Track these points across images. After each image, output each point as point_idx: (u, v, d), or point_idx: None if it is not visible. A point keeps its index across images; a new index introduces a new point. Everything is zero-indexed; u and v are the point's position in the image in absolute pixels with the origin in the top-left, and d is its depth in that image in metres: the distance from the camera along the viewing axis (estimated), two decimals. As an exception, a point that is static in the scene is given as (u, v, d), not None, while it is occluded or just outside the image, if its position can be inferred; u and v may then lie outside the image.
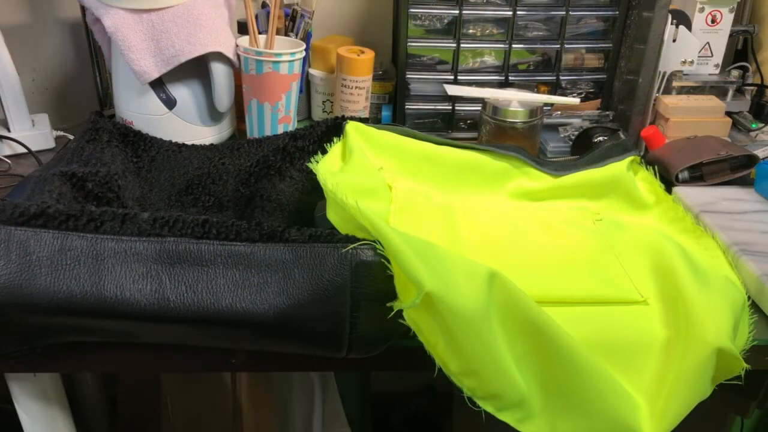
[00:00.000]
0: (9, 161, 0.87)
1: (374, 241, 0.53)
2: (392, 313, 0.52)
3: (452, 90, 0.96)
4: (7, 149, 0.89)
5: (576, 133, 0.95)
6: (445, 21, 0.97)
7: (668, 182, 0.83)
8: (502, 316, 0.54)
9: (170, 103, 0.89)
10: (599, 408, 0.53)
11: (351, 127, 0.80)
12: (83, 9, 0.94)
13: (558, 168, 0.83)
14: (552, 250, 0.70)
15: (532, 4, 0.97)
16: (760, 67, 1.08)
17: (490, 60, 1.00)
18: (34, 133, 0.90)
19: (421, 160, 0.80)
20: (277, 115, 0.90)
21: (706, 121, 0.93)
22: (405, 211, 0.72)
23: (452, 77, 1.00)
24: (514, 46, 0.99)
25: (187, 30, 0.84)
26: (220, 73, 0.87)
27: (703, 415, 0.57)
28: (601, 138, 0.90)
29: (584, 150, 0.88)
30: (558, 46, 0.99)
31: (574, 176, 0.81)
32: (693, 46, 0.97)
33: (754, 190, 0.81)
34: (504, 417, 0.53)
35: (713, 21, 1.01)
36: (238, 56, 0.88)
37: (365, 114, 0.98)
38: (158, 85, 0.88)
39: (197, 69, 0.88)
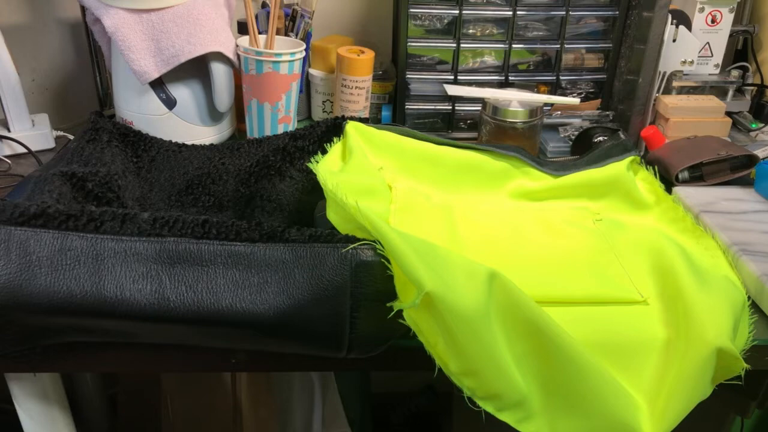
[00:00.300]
0: (9, 161, 0.87)
1: (374, 241, 0.53)
2: (392, 313, 0.52)
3: (452, 90, 0.96)
4: (7, 149, 0.89)
5: (576, 133, 0.95)
6: (445, 21, 0.97)
7: (668, 182, 0.83)
8: (502, 316, 0.54)
9: (170, 103, 0.89)
10: (599, 408, 0.53)
11: (351, 127, 0.80)
12: (83, 9, 0.94)
13: (558, 168, 0.83)
14: (552, 250, 0.70)
15: (532, 4, 0.97)
16: (760, 67, 1.08)
17: (490, 60, 1.00)
18: (34, 133, 0.90)
19: (421, 160, 0.80)
20: (277, 115, 0.90)
21: (706, 121, 0.93)
22: (405, 211, 0.72)
23: (452, 77, 1.00)
24: (514, 46, 0.99)
25: (187, 30, 0.84)
26: (220, 73, 0.87)
27: (703, 415, 0.57)
28: (601, 138, 0.90)
29: (584, 150, 0.88)
30: (558, 46, 0.99)
31: (574, 176, 0.81)
32: (693, 46, 0.97)
33: (754, 190, 0.81)
34: (504, 417, 0.53)
35: (713, 21, 1.01)
36: (238, 56, 0.88)
37: (365, 114, 0.98)
38: (158, 85, 0.88)
39: (197, 69, 0.88)
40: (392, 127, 0.83)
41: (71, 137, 0.93)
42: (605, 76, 1.01)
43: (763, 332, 0.61)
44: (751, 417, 1.06)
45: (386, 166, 0.79)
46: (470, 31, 0.99)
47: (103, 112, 0.94)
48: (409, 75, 0.99)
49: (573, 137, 0.95)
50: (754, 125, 1.02)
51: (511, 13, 0.97)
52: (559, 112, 0.98)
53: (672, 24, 0.92)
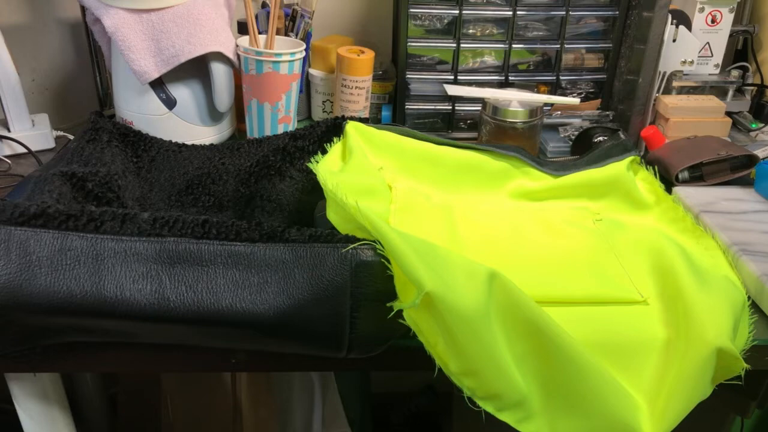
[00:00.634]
0: (9, 161, 0.87)
1: (374, 241, 0.53)
2: (392, 313, 0.52)
3: (452, 90, 0.96)
4: (7, 149, 0.89)
5: (576, 133, 0.95)
6: (445, 21, 0.97)
7: (668, 182, 0.83)
8: (502, 316, 0.54)
9: (170, 103, 0.89)
10: (599, 408, 0.53)
11: (351, 127, 0.80)
12: (83, 9, 0.94)
13: (558, 168, 0.83)
14: (552, 250, 0.70)
15: (532, 4, 0.97)
16: (760, 67, 1.08)
17: (490, 60, 1.00)
18: (34, 133, 0.90)
19: (421, 160, 0.80)
20: (277, 115, 0.90)
21: (706, 121, 0.93)
22: (405, 211, 0.72)
23: (452, 77, 1.00)
24: (514, 46, 0.99)
25: (187, 30, 0.84)
26: (220, 73, 0.87)
27: (703, 415, 0.57)
28: (601, 138, 0.90)
29: (584, 150, 0.88)
30: (558, 46, 0.99)
31: (574, 176, 0.81)
32: (693, 46, 0.97)
33: (754, 190, 0.81)
34: (504, 417, 0.53)
35: (713, 21, 1.01)
36: (238, 56, 0.88)
37: (365, 114, 0.98)
38: (158, 85, 0.88)
39: (197, 69, 0.88)
40: (392, 127, 0.83)
41: (71, 137, 0.93)
42: (605, 76, 1.01)
43: (763, 332, 0.61)
44: (751, 417, 1.06)
45: (386, 166, 0.79)
46: (470, 31, 0.99)
47: (103, 112, 0.94)
48: (409, 75, 0.99)
49: (573, 137, 0.95)
50: (754, 125, 1.02)
51: (511, 13, 0.97)
52: (559, 112, 0.98)
53: (672, 24, 0.92)
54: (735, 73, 1.02)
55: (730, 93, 1.03)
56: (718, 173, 0.83)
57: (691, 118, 0.93)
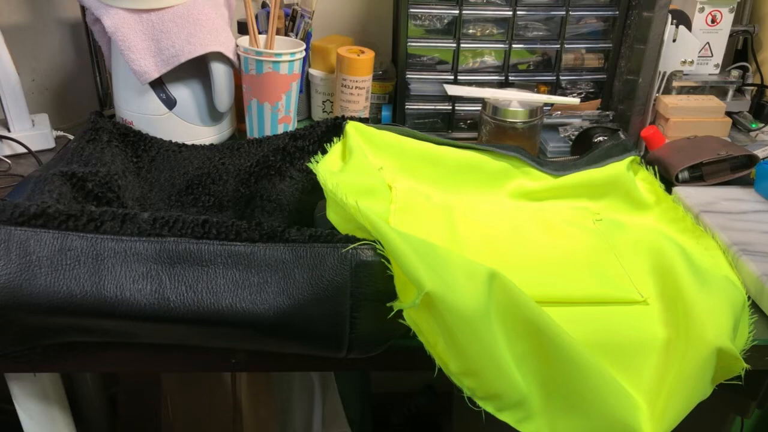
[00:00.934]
0: (9, 161, 0.87)
1: (374, 241, 0.53)
2: (392, 313, 0.52)
3: (452, 90, 0.96)
4: (7, 149, 0.89)
5: (576, 133, 0.95)
6: (445, 21, 0.97)
7: (668, 182, 0.83)
8: (502, 316, 0.54)
9: (170, 103, 0.89)
10: (599, 408, 0.53)
11: (351, 127, 0.80)
12: (83, 9, 0.94)
13: (558, 168, 0.83)
14: (552, 250, 0.70)
15: (532, 4, 0.97)
16: (760, 67, 1.08)
17: (490, 60, 1.00)
18: (34, 133, 0.90)
19: (421, 160, 0.80)
20: (277, 115, 0.90)
21: (706, 121, 0.93)
22: (405, 211, 0.72)
23: (452, 77, 1.00)
24: (514, 46, 0.99)
25: (187, 30, 0.84)
26: (220, 73, 0.87)
27: (703, 415, 0.57)
28: (601, 138, 0.90)
29: (584, 150, 0.88)
30: (558, 46, 0.99)
31: (574, 176, 0.81)
32: (693, 46, 0.97)
33: (754, 190, 0.81)
34: (504, 417, 0.53)
35: (713, 21, 1.01)
36: (238, 56, 0.88)
37: (365, 114, 0.98)
38: (158, 85, 0.88)
39: (197, 69, 0.88)
40: (392, 127, 0.83)
41: (71, 137, 0.93)
42: (605, 76, 1.01)
43: (763, 332, 0.61)
44: (751, 417, 1.06)
45: (386, 166, 0.79)
46: (470, 31, 0.99)
47: (103, 112, 0.94)
48: (409, 75, 0.99)
49: (573, 137, 0.95)
50: (754, 125, 1.02)
51: (511, 13, 0.97)
52: (559, 112, 0.98)
53: (672, 24, 0.92)
54: (735, 73, 1.02)
55: (730, 93, 1.03)
56: (718, 173, 0.83)
57: (691, 118, 0.93)
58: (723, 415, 1.13)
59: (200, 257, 0.53)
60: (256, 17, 0.94)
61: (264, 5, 1.00)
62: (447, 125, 1.03)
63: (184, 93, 0.89)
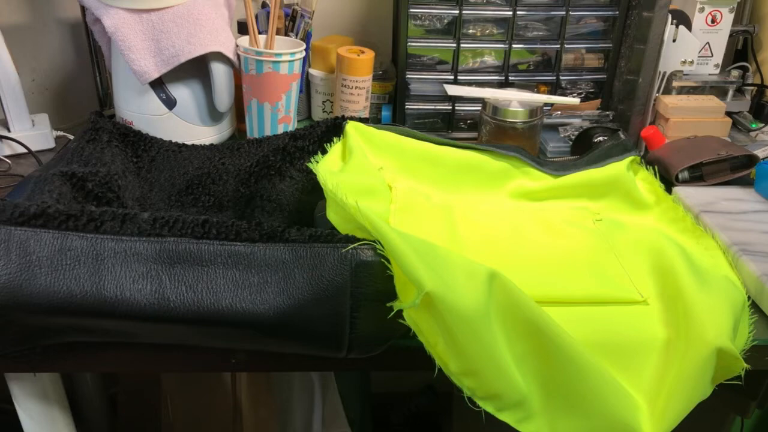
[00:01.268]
0: (9, 161, 0.87)
1: (374, 241, 0.53)
2: (392, 313, 0.52)
3: (452, 90, 0.96)
4: (7, 149, 0.89)
5: (576, 133, 0.95)
6: (445, 21, 0.97)
7: (668, 182, 0.83)
8: (502, 316, 0.54)
9: (170, 103, 0.89)
10: (599, 408, 0.53)
11: (351, 127, 0.80)
12: (83, 9, 0.94)
13: (558, 168, 0.83)
14: (552, 250, 0.70)
15: (532, 4, 0.97)
16: (760, 67, 1.08)
17: (490, 60, 1.00)
18: (34, 133, 0.90)
19: (421, 160, 0.80)
20: (277, 115, 0.90)
21: (706, 121, 0.93)
22: (405, 211, 0.72)
23: (452, 77, 1.00)
24: (514, 46, 0.99)
25: (187, 30, 0.84)
26: (220, 73, 0.87)
27: (703, 415, 0.57)
28: (601, 138, 0.90)
29: (584, 150, 0.88)
30: (558, 46, 0.99)
31: (574, 176, 0.81)
32: (693, 46, 0.97)
33: (754, 190, 0.81)
34: (504, 417, 0.53)
35: (713, 21, 1.01)
36: (238, 56, 0.88)
37: (365, 114, 0.98)
38: (158, 85, 0.88)
39: (197, 69, 0.88)
40: (392, 127, 0.83)
41: (71, 137, 0.93)
42: (605, 76, 1.01)
43: (763, 332, 0.61)
44: (751, 417, 1.06)
45: (386, 166, 0.79)
46: (470, 31, 0.99)
47: (103, 112, 0.94)
48: (409, 75, 0.99)
49: (573, 137, 0.95)
50: (754, 125, 1.02)
51: (511, 13, 0.97)
52: (559, 112, 0.98)
53: (672, 24, 0.92)
54: (735, 73, 1.02)
55: (730, 93, 1.03)
56: (718, 173, 0.83)
57: (691, 118, 0.93)
58: (723, 415, 1.13)
59: (200, 257, 0.53)
60: (256, 17, 0.94)
61: (264, 5, 1.00)
62: (447, 125, 1.03)
63: (184, 93, 0.89)
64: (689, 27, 0.99)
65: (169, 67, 0.85)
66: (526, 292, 0.54)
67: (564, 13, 0.97)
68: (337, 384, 1.06)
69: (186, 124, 0.90)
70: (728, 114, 0.96)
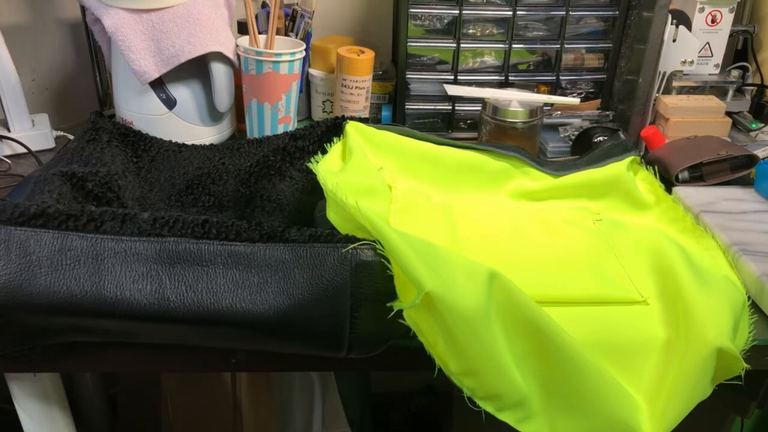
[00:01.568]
0: (9, 161, 0.87)
1: (374, 241, 0.53)
2: (392, 313, 0.52)
3: (452, 90, 0.96)
4: (7, 149, 0.89)
5: (576, 133, 0.95)
6: (445, 21, 0.97)
7: (668, 182, 0.83)
8: (502, 316, 0.54)
9: (170, 103, 0.89)
10: (599, 408, 0.53)
11: (351, 127, 0.80)
12: (83, 9, 0.94)
13: (558, 168, 0.83)
14: (552, 250, 0.70)
15: (532, 4, 0.97)
16: (760, 67, 1.08)
17: (490, 60, 1.00)
18: (34, 133, 0.90)
19: (421, 160, 0.80)
20: (277, 115, 0.90)
21: (706, 121, 0.93)
22: (405, 211, 0.72)
23: (452, 77, 1.00)
24: (514, 46, 0.99)
25: (187, 30, 0.84)
26: (220, 73, 0.87)
27: (703, 415, 0.57)
28: (601, 138, 0.90)
29: (584, 150, 0.88)
30: (558, 46, 0.99)
31: (574, 176, 0.81)
32: (693, 46, 0.97)
33: (754, 190, 0.81)
34: (504, 417, 0.53)
35: (713, 21, 1.01)
36: (238, 56, 0.88)
37: (365, 114, 0.98)
38: (158, 85, 0.88)
39: (197, 69, 0.88)
40: (392, 127, 0.83)
41: (71, 137, 0.93)
42: (605, 76, 1.01)
43: (763, 332, 0.61)
44: (751, 417, 1.06)
45: (386, 166, 0.79)
46: (470, 31, 0.99)
47: (103, 112, 0.94)
48: (409, 75, 0.99)
49: (573, 137, 0.95)
50: (754, 125, 1.02)
51: (511, 13, 0.97)
52: (559, 112, 0.98)
53: (672, 24, 0.92)
54: (735, 73, 1.02)
55: (730, 93, 1.03)
56: (718, 173, 0.83)
57: (691, 118, 0.93)
58: (723, 415, 1.13)
59: (200, 257, 0.53)
60: (256, 17, 0.94)
61: (264, 5, 1.00)
62: (447, 125, 1.03)
63: (184, 93, 0.89)
64: (689, 27, 0.99)
65: (169, 67, 0.85)
66: (526, 292, 0.54)
67: (564, 13, 0.97)
68: (337, 384, 1.06)
69: (186, 124, 0.90)
70: (728, 114, 0.96)
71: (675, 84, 0.99)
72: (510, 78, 1.00)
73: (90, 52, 1.00)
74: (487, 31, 0.99)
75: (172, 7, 0.85)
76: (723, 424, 1.14)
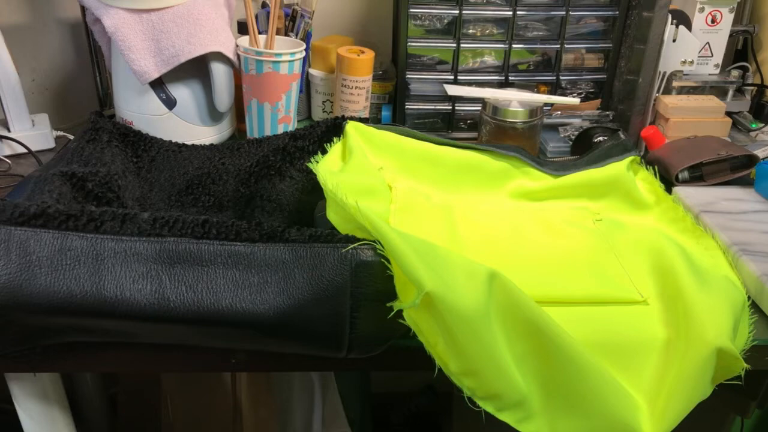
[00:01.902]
0: (9, 161, 0.87)
1: (374, 241, 0.53)
2: (392, 313, 0.52)
3: (452, 90, 0.96)
4: (7, 149, 0.89)
5: (576, 133, 0.95)
6: (445, 21, 0.97)
7: (668, 182, 0.83)
8: (502, 316, 0.54)
9: (170, 103, 0.89)
10: (599, 408, 0.53)
11: (351, 127, 0.80)
12: (83, 9, 0.94)
13: (558, 168, 0.83)
14: (552, 250, 0.70)
15: (532, 4, 0.97)
16: (760, 67, 1.08)
17: (490, 60, 1.00)
18: (34, 133, 0.90)
19: (421, 160, 0.80)
20: (277, 115, 0.90)
21: (706, 121, 0.93)
22: (405, 211, 0.72)
23: (452, 77, 1.00)
24: (514, 46, 0.99)
25: (187, 30, 0.84)
26: (220, 73, 0.87)
27: (703, 415, 0.57)
28: (601, 138, 0.90)
29: (584, 150, 0.88)
30: (558, 46, 0.99)
31: (574, 176, 0.81)
32: (693, 46, 0.97)
33: (754, 190, 0.81)
34: (504, 417, 0.53)
35: (713, 21, 1.01)
36: (238, 56, 0.88)
37: (365, 114, 0.98)
38: (158, 85, 0.88)
39: (197, 69, 0.88)
40: (392, 127, 0.83)
41: (71, 137, 0.93)
42: (605, 76, 1.01)
43: (763, 332, 0.61)
44: (751, 417, 1.06)
45: (386, 166, 0.79)
46: (470, 31, 0.99)
47: (103, 112, 0.94)
48: (409, 75, 0.99)
49: (573, 137, 0.95)
50: (754, 125, 1.02)
51: (511, 13, 0.97)
52: (559, 112, 0.98)
53: (672, 24, 0.92)
54: (735, 73, 1.02)
55: (730, 93, 1.03)
56: (718, 173, 0.83)
57: (691, 118, 0.93)
58: (723, 415, 1.13)
59: (200, 257, 0.53)
60: (256, 17, 0.94)
61: (264, 5, 1.00)
62: (447, 125, 1.03)
63: (184, 93, 0.89)
64: (689, 27, 0.99)
65: (169, 67, 0.85)
66: (526, 292, 0.54)
67: (564, 13, 0.97)
68: (337, 384, 1.06)
69: (186, 124, 0.90)
70: (728, 114, 0.96)
71: (675, 84, 0.99)
72: (510, 78, 1.00)
73: (90, 52, 1.00)
74: (487, 31, 0.99)
75: (172, 7, 0.85)
76: (723, 424, 1.14)
